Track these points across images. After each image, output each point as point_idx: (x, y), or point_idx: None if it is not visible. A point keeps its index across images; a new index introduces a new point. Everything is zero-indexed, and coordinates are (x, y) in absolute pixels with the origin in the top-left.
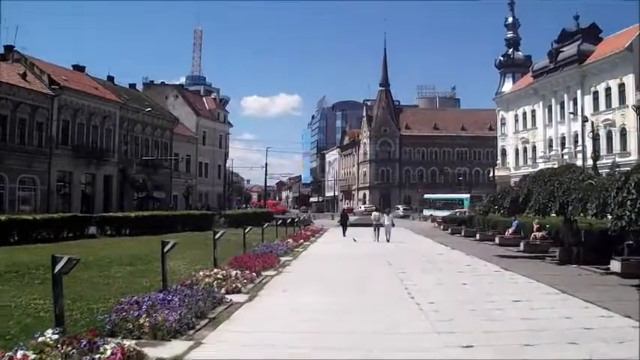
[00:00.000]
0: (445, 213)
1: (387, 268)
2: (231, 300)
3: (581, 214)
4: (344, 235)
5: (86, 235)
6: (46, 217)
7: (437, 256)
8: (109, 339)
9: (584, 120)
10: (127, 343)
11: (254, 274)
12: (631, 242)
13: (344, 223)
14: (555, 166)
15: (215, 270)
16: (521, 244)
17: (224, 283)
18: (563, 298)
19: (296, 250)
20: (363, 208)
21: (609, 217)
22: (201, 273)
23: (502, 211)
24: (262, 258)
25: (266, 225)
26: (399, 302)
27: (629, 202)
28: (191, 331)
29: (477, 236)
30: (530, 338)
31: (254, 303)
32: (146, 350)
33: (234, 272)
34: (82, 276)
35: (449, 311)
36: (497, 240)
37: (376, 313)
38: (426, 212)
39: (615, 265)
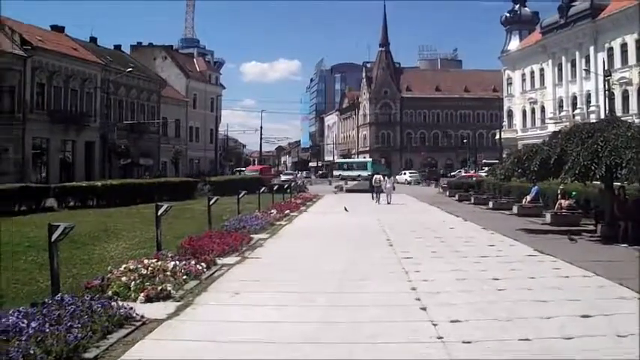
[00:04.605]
0: (354, 173)
1: (387, 251)
2: (143, 317)
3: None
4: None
5: (42, 209)
6: None
7: (449, 231)
8: None
9: (607, 75)
10: None
11: (201, 265)
12: None
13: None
14: (592, 121)
15: (146, 261)
16: (547, 216)
17: (147, 283)
18: None
19: (278, 223)
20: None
21: None
22: (123, 267)
23: (529, 175)
24: (226, 237)
25: (242, 194)
26: (404, 322)
27: None
28: None
29: (490, 204)
30: None
31: (177, 323)
32: None
33: (171, 264)
34: None
35: (488, 346)
36: (514, 209)
37: (365, 350)
38: (336, 172)
39: None
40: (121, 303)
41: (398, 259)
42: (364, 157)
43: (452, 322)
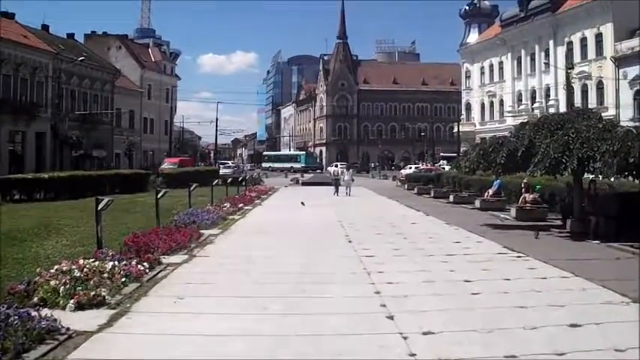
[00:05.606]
0: (285, 165)
1: (346, 248)
2: (69, 330)
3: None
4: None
5: None
6: None
7: (411, 227)
8: None
9: (569, 67)
10: None
11: (144, 265)
12: None
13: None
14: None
15: (81, 261)
16: (512, 210)
17: (79, 287)
18: None
19: (231, 218)
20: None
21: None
22: (55, 268)
23: (496, 168)
24: (174, 234)
25: (194, 187)
26: (370, 334)
27: None
28: None
29: (451, 198)
30: None
31: (108, 337)
32: None
33: (110, 264)
34: None
35: None
36: (477, 203)
37: None
38: (265, 165)
39: None
40: (44, 312)
41: (358, 257)
42: (321, 150)
43: (424, 334)
